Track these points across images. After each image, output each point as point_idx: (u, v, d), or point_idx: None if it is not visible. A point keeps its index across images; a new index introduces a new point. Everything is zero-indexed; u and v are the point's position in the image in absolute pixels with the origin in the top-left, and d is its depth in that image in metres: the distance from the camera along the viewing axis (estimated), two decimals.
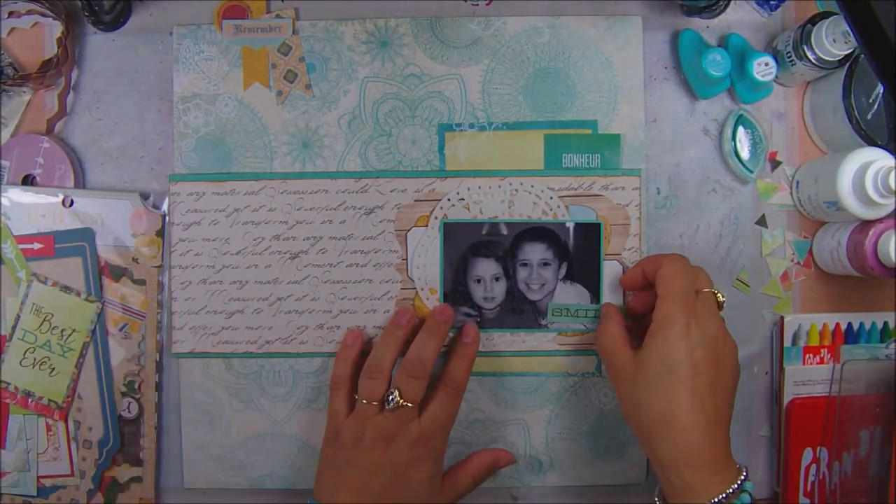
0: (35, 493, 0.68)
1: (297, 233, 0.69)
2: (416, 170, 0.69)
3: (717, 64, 0.66)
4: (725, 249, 0.70)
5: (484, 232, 0.68)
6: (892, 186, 0.59)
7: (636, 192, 0.68)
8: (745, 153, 0.68)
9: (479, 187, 0.68)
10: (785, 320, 0.69)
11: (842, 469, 0.67)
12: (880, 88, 0.64)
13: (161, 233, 0.69)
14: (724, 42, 0.69)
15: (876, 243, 0.62)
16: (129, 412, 0.68)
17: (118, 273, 0.68)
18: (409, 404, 0.60)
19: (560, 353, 0.68)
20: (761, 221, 0.70)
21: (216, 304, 0.69)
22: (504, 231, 0.68)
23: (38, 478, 0.68)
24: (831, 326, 0.69)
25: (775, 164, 0.70)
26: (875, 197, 0.60)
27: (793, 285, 0.70)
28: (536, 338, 0.68)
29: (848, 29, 0.59)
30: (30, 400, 0.67)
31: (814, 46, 0.63)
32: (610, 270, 0.68)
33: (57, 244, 0.67)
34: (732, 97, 0.69)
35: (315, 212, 0.68)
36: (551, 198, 0.68)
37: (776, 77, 0.66)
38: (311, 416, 0.69)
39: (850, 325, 0.69)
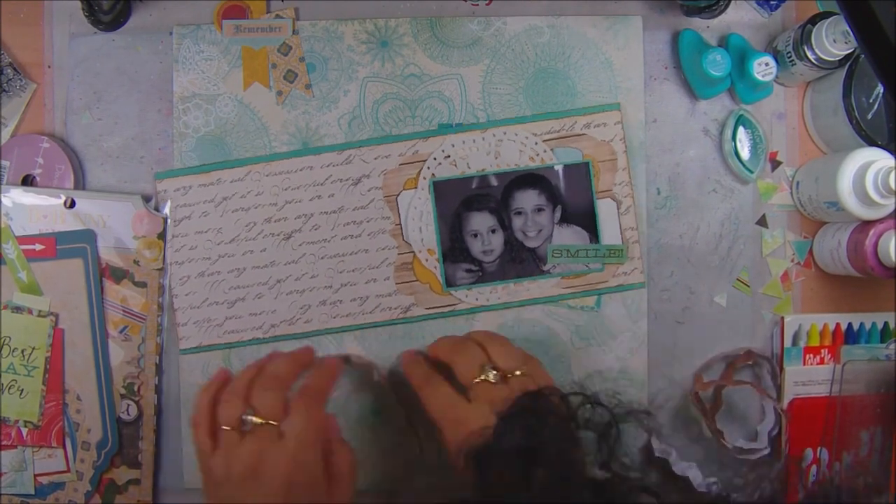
0: (33, 493, 0.68)
1: (288, 212, 0.69)
2: (397, 133, 0.68)
3: (717, 64, 0.66)
4: (725, 249, 0.70)
5: (474, 186, 0.68)
6: (892, 186, 0.59)
7: (618, 126, 0.68)
8: (745, 153, 0.68)
9: (463, 142, 0.68)
10: (785, 320, 0.69)
11: (842, 469, 0.67)
12: (880, 88, 0.64)
13: (162, 235, 0.68)
14: (724, 42, 0.69)
15: (876, 243, 0.62)
16: (128, 414, 0.68)
17: (119, 275, 0.68)
18: (269, 422, 0.52)
19: (565, 297, 0.68)
20: (761, 221, 0.70)
21: (217, 295, 0.69)
22: (494, 182, 0.68)
23: (35, 476, 0.68)
24: (831, 326, 0.69)
25: (775, 164, 0.70)
26: (875, 197, 0.60)
27: (793, 285, 0.70)
28: (540, 285, 0.68)
29: (848, 29, 0.59)
30: (11, 432, 0.67)
31: (814, 46, 0.63)
32: (604, 208, 0.68)
33: (58, 245, 0.67)
34: (732, 97, 0.69)
35: (303, 189, 0.68)
36: (536, 143, 0.68)
37: (776, 77, 0.66)
38: None
39: (850, 325, 0.69)
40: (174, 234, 0.68)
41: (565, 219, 0.68)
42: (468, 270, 0.68)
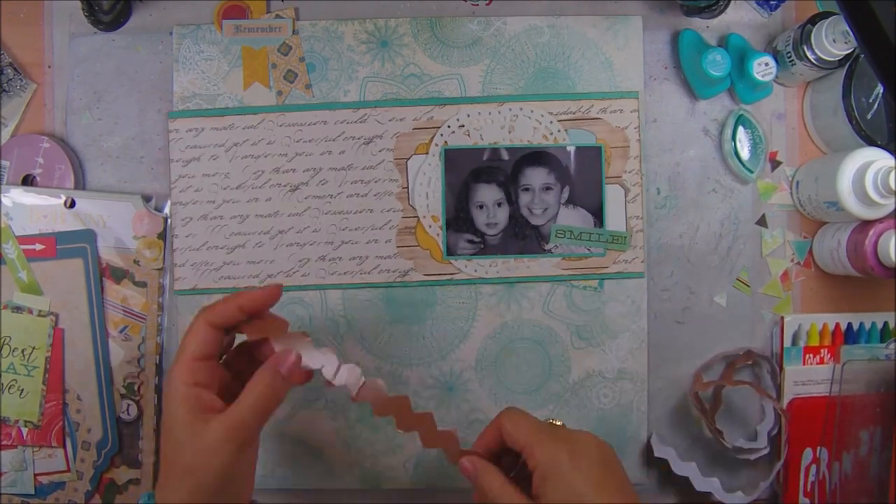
0: (33, 492, 0.68)
1: (297, 165, 0.69)
2: (415, 98, 0.69)
3: (717, 64, 0.66)
4: (725, 249, 0.70)
5: (485, 158, 0.68)
6: (892, 186, 0.59)
7: (634, 115, 0.69)
8: (745, 153, 0.68)
9: (479, 113, 0.69)
10: (785, 320, 0.69)
11: (842, 469, 0.67)
12: (880, 88, 0.64)
13: (162, 235, 0.68)
14: (724, 42, 0.69)
15: (876, 243, 0.62)
16: (129, 414, 0.68)
17: (119, 275, 0.68)
18: None
19: (563, 279, 0.68)
20: (761, 221, 0.70)
21: (217, 240, 0.69)
22: (505, 156, 0.68)
23: (35, 475, 0.68)
24: (831, 326, 0.69)
25: (775, 164, 0.70)
26: (875, 197, 0.60)
27: (793, 285, 0.70)
28: (540, 263, 0.68)
29: (848, 29, 0.59)
30: (11, 432, 0.67)
31: (814, 46, 0.63)
32: (612, 194, 0.68)
33: (58, 245, 0.67)
34: (732, 97, 0.69)
35: (314, 143, 0.68)
36: (551, 122, 0.68)
37: (776, 77, 0.66)
38: (311, 416, 0.69)
39: (850, 325, 0.69)
40: (181, 174, 0.68)
41: (572, 200, 0.68)
42: (470, 241, 0.68)
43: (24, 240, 0.67)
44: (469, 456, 0.52)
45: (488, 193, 0.68)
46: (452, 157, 0.68)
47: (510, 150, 0.68)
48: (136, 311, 0.68)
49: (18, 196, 0.67)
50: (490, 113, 0.68)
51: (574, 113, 0.69)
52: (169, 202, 0.69)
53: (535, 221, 0.68)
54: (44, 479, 0.68)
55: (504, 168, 0.68)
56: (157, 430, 0.68)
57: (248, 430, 0.49)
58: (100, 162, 0.69)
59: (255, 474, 0.70)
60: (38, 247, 0.67)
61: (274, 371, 0.51)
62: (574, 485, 0.48)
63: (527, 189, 0.68)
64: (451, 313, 0.69)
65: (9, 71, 0.68)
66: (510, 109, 0.68)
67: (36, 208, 0.67)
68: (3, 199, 0.67)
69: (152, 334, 0.68)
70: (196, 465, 0.48)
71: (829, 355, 0.68)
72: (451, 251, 0.68)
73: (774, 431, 0.68)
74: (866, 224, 0.63)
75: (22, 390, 0.67)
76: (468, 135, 0.68)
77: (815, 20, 0.63)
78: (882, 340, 0.69)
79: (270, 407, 0.50)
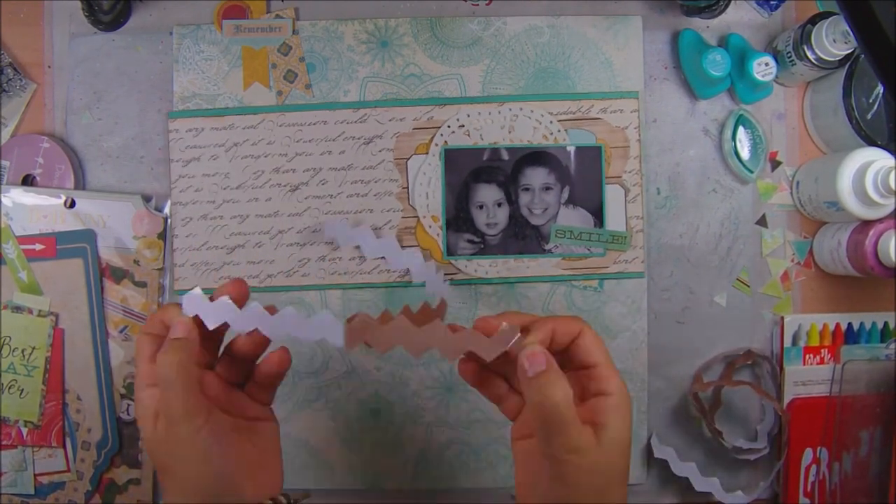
0: (33, 492, 0.68)
1: (297, 165, 0.69)
2: (414, 98, 0.69)
3: (717, 64, 0.66)
4: (725, 249, 0.70)
5: (485, 158, 0.68)
6: (892, 186, 0.59)
7: (634, 115, 0.69)
8: (745, 153, 0.68)
9: (479, 113, 0.69)
10: (785, 320, 0.69)
11: (842, 469, 0.67)
12: (880, 88, 0.64)
13: (162, 235, 0.68)
14: (724, 42, 0.69)
15: (876, 243, 0.62)
16: (129, 414, 0.68)
17: (119, 275, 0.68)
18: None
19: (563, 279, 0.69)
20: (761, 221, 0.70)
21: (217, 240, 0.69)
22: (505, 156, 0.68)
23: (35, 476, 0.68)
24: (831, 326, 0.69)
25: (775, 164, 0.70)
26: (875, 197, 0.60)
27: (793, 285, 0.70)
28: (540, 263, 0.68)
29: (848, 29, 0.59)
30: (11, 432, 0.67)
31: (814, 46, 0.63)
32: (612, 194, 0.68)
33: (58, 245, 0.67)
34: (732, 97, 0.69)
35: (314, 143, 0.69)
36: (551, 122, 0.68)
37: (776, 77, 0.66)
38: (311, 416, 0.69)
39: (850, 325, 0.69)
40: (181, 174, 0.68)
41: (572, 200, 0.68)
42: (470, 241, 0.68)
43: (24, 240, 0.67)
44: (537, 348, 0.42)
45: (488, 193, 0.68)
46: (452, 157, 0.68)
47: (510, 150, 0.68)
48: (136, 311, 0.68)
49: (18, 196, 0.67)
50: (490, 113, 0.69)
51: (574, 113, 0.69)
52: (169, 202, 0.69)
53: (535, 221, 0.68)
54: (44, 479, 0.68)
55: (504, 168, 0.68)
56: None
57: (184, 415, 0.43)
58: (100, 162, 0.69)
59: None
60: (38, 247, 0.67)
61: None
62: (625, 430, 0.44)
63: (527, 189, 0.68)
64: (451, 313, 0.69)
65: (9, 71, 0.68)
66: (510, 109, 0.68)
67: (36, 208, 0.67)
68: (3, 199, 0.67)
69: None
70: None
71: (829, 355, 0.68)
72: (451, 251, 0.68)
73: (774, 431, 0.68)
74: (866, 224, 0.63)
75: (22, 390, 0.67)
76: (468, 135, 0.68)
77: (815, 20, 0.63)
78: (882, 340, 0.69)
79: (182, 379, 0.43)
